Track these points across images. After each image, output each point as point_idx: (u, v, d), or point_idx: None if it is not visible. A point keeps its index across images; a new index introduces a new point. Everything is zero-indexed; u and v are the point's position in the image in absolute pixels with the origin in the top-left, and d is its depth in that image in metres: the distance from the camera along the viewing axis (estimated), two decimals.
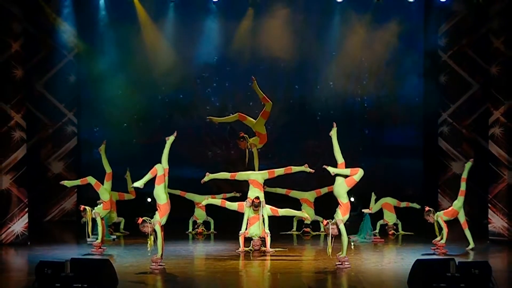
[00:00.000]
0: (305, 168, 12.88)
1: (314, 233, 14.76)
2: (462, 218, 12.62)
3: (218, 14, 17.23)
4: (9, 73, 13.47)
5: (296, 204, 14.56)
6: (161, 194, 10.98)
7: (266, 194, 12.98)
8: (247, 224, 12.55)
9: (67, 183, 13.19)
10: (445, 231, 12.34)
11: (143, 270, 10.71)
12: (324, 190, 14.67)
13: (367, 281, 9.98)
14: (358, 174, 11.14)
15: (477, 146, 16.40)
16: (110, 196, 13.06)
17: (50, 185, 16.66)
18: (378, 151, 17.39)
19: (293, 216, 14.61)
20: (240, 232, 12.52)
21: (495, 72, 13.71)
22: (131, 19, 16.97)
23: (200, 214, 15.08)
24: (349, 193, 11.29)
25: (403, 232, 14.72)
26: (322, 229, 14.24)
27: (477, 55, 16.41)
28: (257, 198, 12.51)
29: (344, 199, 11.12)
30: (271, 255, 12.14)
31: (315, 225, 14.79)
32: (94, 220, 12.66)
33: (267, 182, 13.31)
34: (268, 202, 12.70)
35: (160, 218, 10.91)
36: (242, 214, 12.65)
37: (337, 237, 11.03)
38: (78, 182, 13.17)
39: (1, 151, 13.40)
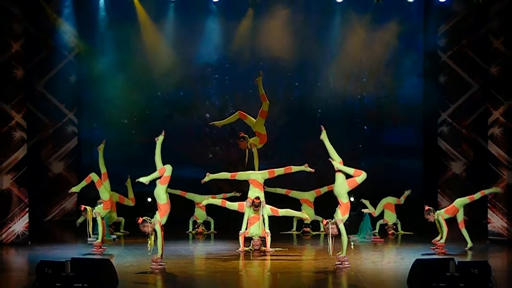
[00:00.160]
0: (305, 167, 12.87)
1: (314, 233, 14.77)
2: (460, 217, 12.63)
3: (218, 14, 17.22)
4: (9, 73, 13.49)
5: (296, 204, 14.58)
6: (161, 194, 11.00)
7: (266, 194, 12.98)
8: (247, 224, 12.56)
9: (74, 189, 13.30)
10: (445, 230, 12.35)
11: (144, 270, 10.72)
12: (324, 189, 14.67)
13: (366, 280, 9.99)
14: (361, 176, 11.14)
15: (476, 146, 16.38)
16: (110, 196, 13.08)
17: (51, 185, 16.70)
18: (378, 151, 17.39)
19: (293, 216, 14.62)
20: (240, 232, 12.53)
21: (495, 72, 13.72)
22: (131, 19, 16.97)
23: (200, 214, 15.10)
24: (349, 193, 11.29)
25: (402, 232, 14.73)
26: (322, 229, 14.26)
27: (477, 55, 16.38)
28: (257, 198, 12.51)
29: (344, 199, 11.12)
30: (271, 255, 12.15)
31: (315, 225, 14.81)
32: (94, 220, 12.69)
33: (267, 182, 13.30)
34: (268, 202, 12.70)
35: (160, 218, 10.92)
36: (242, 214, 12.66)
37: (337, 237, 11.05)
38: (83, 183, 13.17)
39: (2, 151, 13.42)
